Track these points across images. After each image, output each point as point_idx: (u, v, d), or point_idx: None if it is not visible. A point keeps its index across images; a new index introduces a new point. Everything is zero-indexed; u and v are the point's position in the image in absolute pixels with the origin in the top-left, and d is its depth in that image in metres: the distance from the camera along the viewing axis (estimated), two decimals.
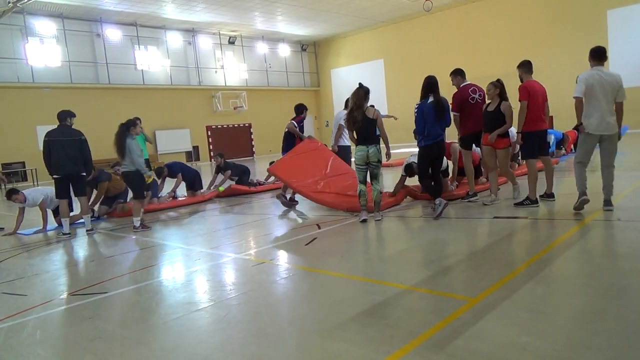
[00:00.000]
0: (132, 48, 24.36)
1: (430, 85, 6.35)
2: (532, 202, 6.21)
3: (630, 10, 20.07)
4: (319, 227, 6.07)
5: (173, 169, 9.93)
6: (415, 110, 6.46)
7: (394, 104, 28.49)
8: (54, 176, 7.01)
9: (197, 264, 4.81)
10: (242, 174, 10.90)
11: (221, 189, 10.19)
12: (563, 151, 12.17)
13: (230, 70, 28.55)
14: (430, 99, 6.27)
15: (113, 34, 23.49)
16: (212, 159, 10.70)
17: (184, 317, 3.36)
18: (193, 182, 10.09)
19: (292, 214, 7.52)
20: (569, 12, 21.65)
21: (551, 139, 11.49)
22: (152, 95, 24.86)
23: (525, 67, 6.33)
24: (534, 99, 6.12)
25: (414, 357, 2.51)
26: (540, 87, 6.28)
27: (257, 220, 7.18)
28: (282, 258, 4.85)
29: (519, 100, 6.12)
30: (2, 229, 8.14)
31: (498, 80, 6.67)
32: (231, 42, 28.04)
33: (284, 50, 30.94)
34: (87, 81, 22.58)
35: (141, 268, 4.90)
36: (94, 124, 19.46)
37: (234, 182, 10.82)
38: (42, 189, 7.85)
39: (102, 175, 8.58)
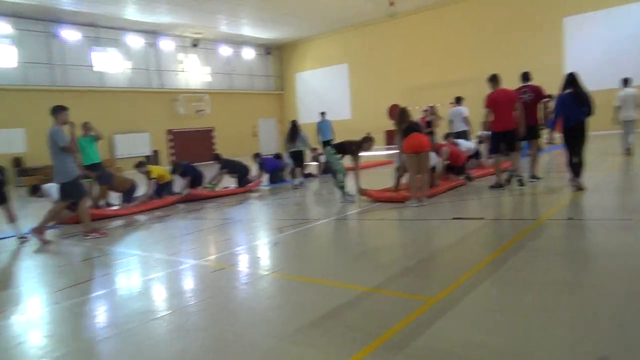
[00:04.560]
0: (90, 49, 23.70)
1: (571, 80, 7.18)
2: (500, 185, 7.75)
3: (585, 18, 20.94)
4: (281, 232, 6.04)
5: (187, 169, 10.35)
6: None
7: (359, 108, 28.79)
8: None
9: (154, 272, 4.69)
10: (240, 172, 11.03)
11: (212, 186, 10.54)
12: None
13: (193, 73, 28.16)
14: (569, 90, 7.12)
15: (70, 34, 22.80)
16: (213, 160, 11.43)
17: (140, 326, 3.27)
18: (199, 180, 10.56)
19: (255, 219, 7.47)
20: (527, 20, 22.40)
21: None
22: (111, 98, 24.23)
23: (493, 80, 7.79)
24: (499, 105, 7.58)
25: (374, 359, 2.52)
26: (508, 95, 7.64)
27: (218, 225, 7.05)
28: (243, 263, 4.80)
29: (485, 108, 7.68)
30: None
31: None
32: (194, 44, 27.67)
33: (248, 54, 30.76)
34: (42, 83, 21.82)
35: (94, 277, 4.75)
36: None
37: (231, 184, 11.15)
38: None
39: (102, 178, 9.00)
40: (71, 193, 6.70)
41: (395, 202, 7.45)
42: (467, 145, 10.06)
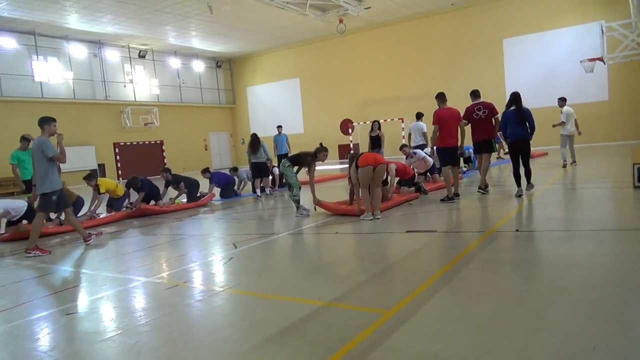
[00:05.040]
0: (29, 58, 22.66)
1: (514, 98, 7.98)
2: (450, 199, 8.13)
3: (523, 40, 22.14)
4: (236, 247, 5.97)
5: (144, 184, 10.10)
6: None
7: (311, 122, 29.04)
8: None
9: (102, 290, 4.50)
10: (190, 188, 10.92)
11: (177, 201, 10.60)
12: (465, 168, 13.09)
13: (140, 85, 27.49)
14: (513, 108, 7.94)
15: (7, 42, 21.74)
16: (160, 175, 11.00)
17: (88, 348, 3.13)
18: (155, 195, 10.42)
19: (210, 233, 7.36)
20: (471, 40, 23.43)
21: (471, 152, 13.08)
22: (52, 109, 23.13)
23: (439, 97, 8.32)
24: (444, 122, 8.10)
25: None
26: (452, 112, 8.17)
27: (171, 241, 6.93)
28: (197, 280, 4.70)
29: (432, 124, 8.19)
30: None
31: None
32: (141, 55, 27.04)
33: (198, 66, 30.40)
34: None
35: (36, 298, 4.50)
36: None
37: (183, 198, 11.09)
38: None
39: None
40: (51, 204, 6.66)
41: (350, 215, 7.55)
42: (424, 155, 10.42)
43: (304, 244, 6.21)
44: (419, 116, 12.64)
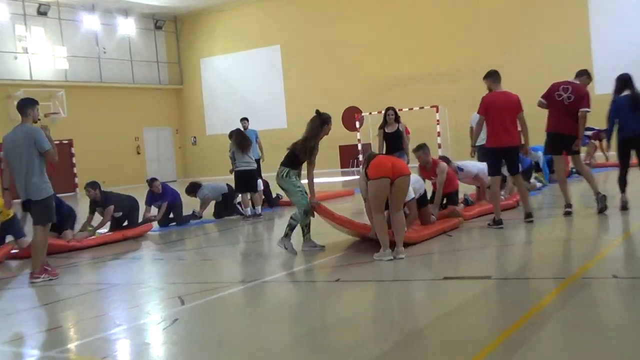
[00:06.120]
0: None
1: (625, 80, 8.79)
2: (497, 223, 8.36)
3: None
4: (183, 302, 5.93)
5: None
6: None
7: (297, 112, 28.75)
8: None
9: None
10: (130, 210, 11.10)
11: (97, 233, 10.69)
12: (539, 183, 13.02)
13: (39, 56, 27.48)
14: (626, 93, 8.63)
15: None
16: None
17: None
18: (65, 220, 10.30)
19: (143, 282, 7.36)
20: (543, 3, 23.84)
21: (539, 157, 13.17)
22: None
23: (490, 77, 8.61)
24: (496, 112, 8.39)
25: None
26: (508, 98, 8.50)
27: (85, 293, 6.92)
28: (123, 354, 4.67)
29: (478, 114, 8.69)
30: None
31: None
32: (42, 12, 27.13)
33: (128, 28, 30.42)
34: None
35: None
36: None
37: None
38: None
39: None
40: (51, 212, 7.54)
41: (361, 236, 7.68)
42: (476, 171, 10.29)
43: (288, 297, 6.19)
44: None
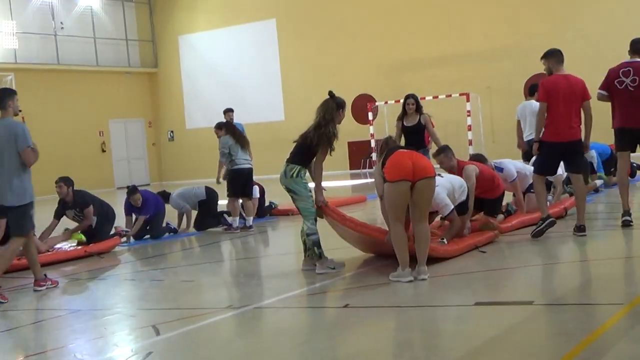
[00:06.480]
0: None
1: None
2: (541, 228, 8.34)
3: None
4: (158, 332, 5.90)
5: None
6: None
7: (296, 102, 28.70)
8: None
9: None
10: (105, 218, 11.21)
11: (80, 237, 10.99)
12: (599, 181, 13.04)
13: None
14: None
15: None
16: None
17: None
18: None
19: (111, 307, 7.37)
20: None
21: (593, 156, 13.13)
22: None
23: (551, 57, 8.51)
24: (554, 100, 8.25)
25: None
26: (572, 83, 8.36)
27: (41, 321, 6.96)
28: None
29: (538, 101, 8.85)
30: None
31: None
32: None
33: None
34: None
35: None
36: None
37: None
38: None
39: None
40: (31, 220, 7.88)
41: (373, 239, 7.66)
42: (516, 172, 10.09)
43: (285, 327, 6.14)
44: (533, 91, 12.43)
